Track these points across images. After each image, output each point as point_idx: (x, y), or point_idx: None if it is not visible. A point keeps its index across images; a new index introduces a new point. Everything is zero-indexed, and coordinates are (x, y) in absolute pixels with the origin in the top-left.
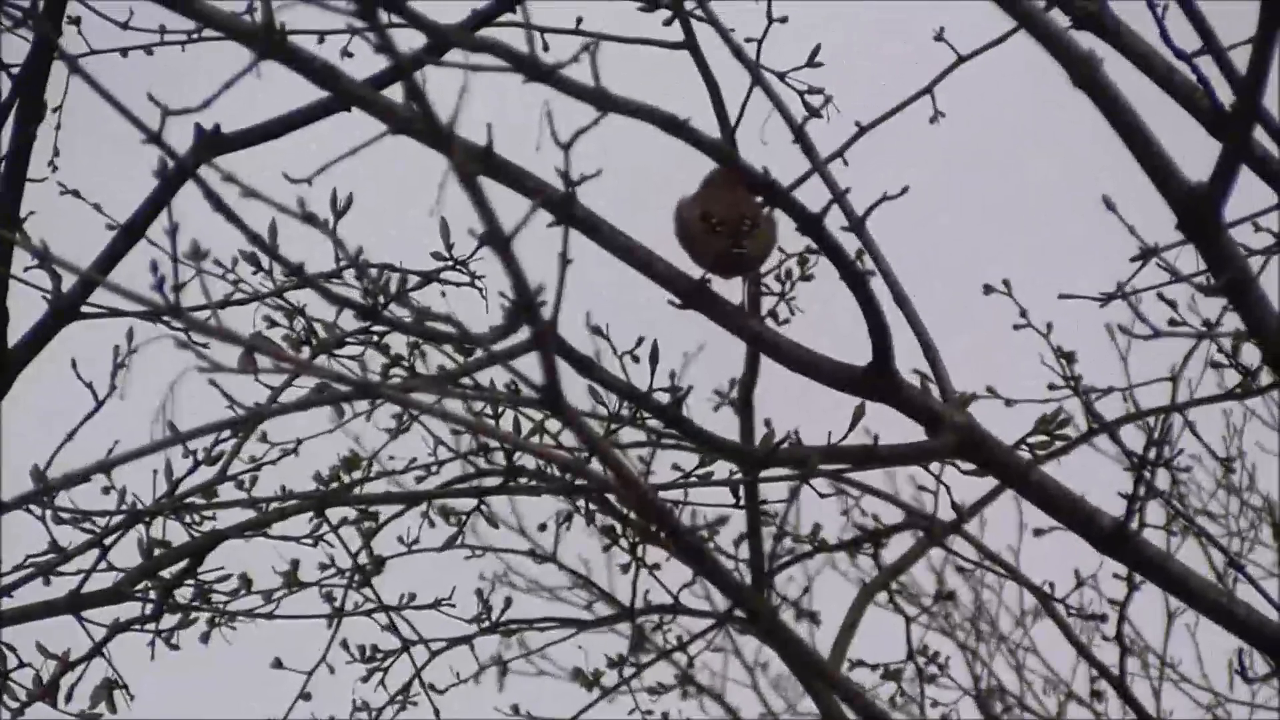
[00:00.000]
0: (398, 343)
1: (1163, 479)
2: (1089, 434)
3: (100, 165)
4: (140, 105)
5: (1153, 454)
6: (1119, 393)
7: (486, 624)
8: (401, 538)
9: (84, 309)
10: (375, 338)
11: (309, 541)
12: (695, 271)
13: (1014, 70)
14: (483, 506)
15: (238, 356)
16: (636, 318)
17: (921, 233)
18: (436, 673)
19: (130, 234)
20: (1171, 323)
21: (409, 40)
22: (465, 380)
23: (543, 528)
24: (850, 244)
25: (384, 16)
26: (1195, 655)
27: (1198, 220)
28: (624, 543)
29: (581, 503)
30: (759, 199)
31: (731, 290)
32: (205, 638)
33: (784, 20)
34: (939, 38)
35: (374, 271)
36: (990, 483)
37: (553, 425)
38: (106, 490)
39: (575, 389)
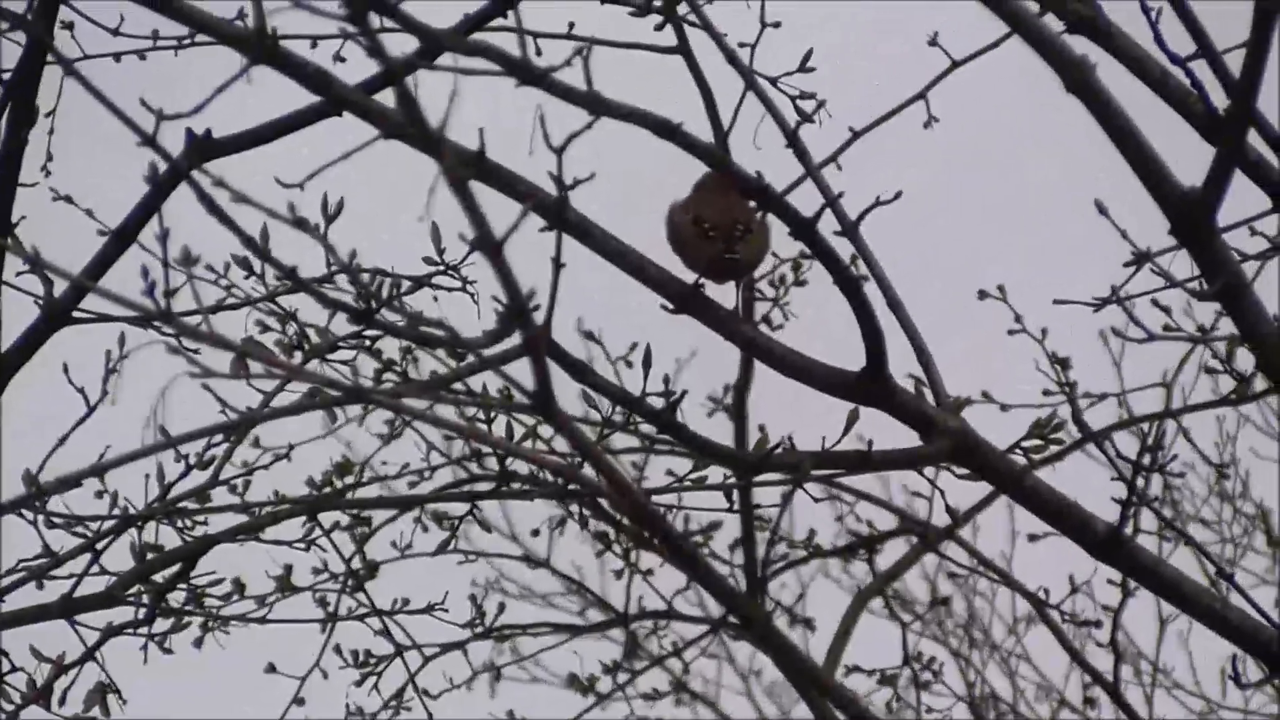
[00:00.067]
0: (390, 348)
1: (1157, 485)
2: (1082, 440)
3: (92, 170)
4: (133, 110)
5: (1146, 460)
6: (1113, 398)
7: (480, 629)
8: (395, 543)
9: (76, 314)
10: (367, 343)
11: (301, 546)
12: (688, 276)
13: (1008, 74)
14: (475, 512)
15: (229, 361)
16: (629, 322)
17: (915, 237)
18: (430, 678)
19: (121, 239)
20: (1166, 328)
21: (401, 44)
22: (457, 386)
23: (536, 533)
24: (844, 249)
25: (376, 21)
26: (1188, 662)
27: (1191, 225)
28: (617, 548)
29: (574, 508)
30: (752, 204)
31: (725, 295)
32: (199, 642)
33: (777, 25)
34: (933, 43)
35: (365, 277)
36: (984, 489)
37: (545, 431)
38: (99, 494)
39: (568, 394)
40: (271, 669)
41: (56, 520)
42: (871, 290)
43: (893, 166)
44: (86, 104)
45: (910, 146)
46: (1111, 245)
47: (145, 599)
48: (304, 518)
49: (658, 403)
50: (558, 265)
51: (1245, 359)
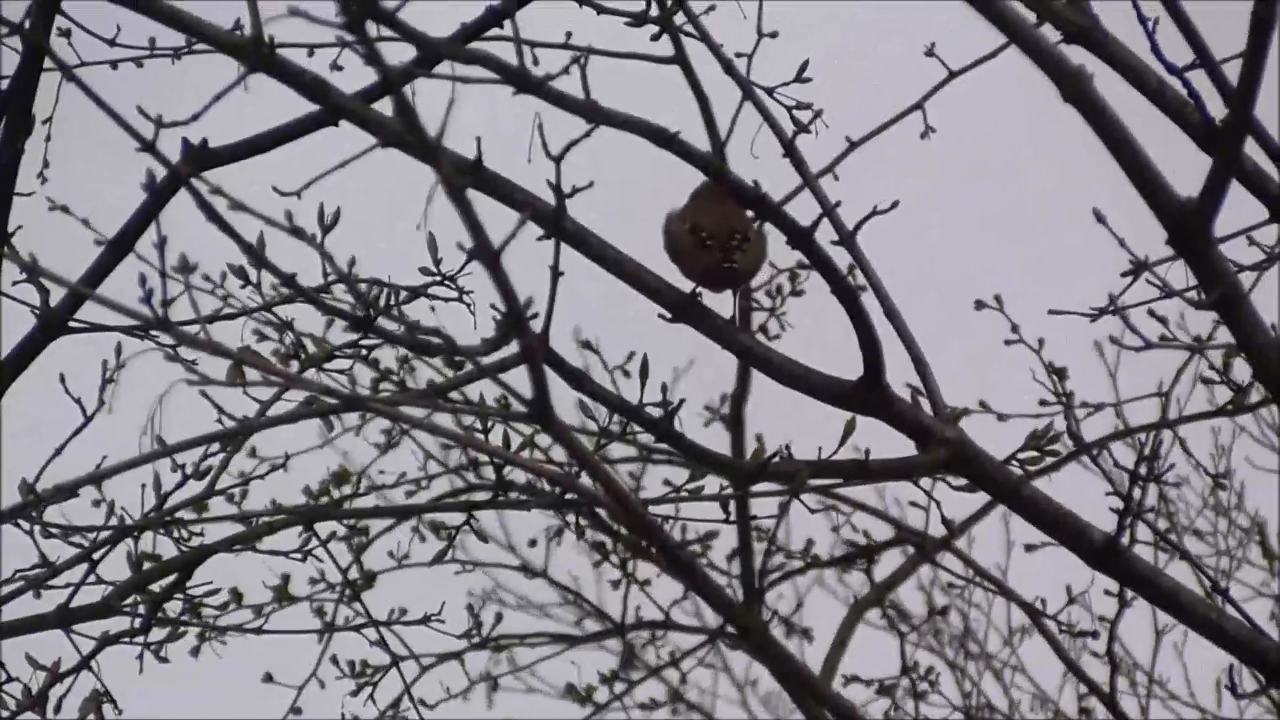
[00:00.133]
0: (386, 358)
1: (1153, 495)
2: (1079, 450)
3: (89, 177)
4: (130, 118)
5: (1143, 470)
6: (1110, 408)
7: (477, 639)
8: (392, 552)
9: (72, 324)
10: (364, 352)
11: (298, 557)
12: (685, 285)
13: (1005, 84)
14: (472, 522)
15: (226, 369)
16: (626, 331)
17: (912, 247)
18: (427, 688)
19: (118, 248)
20: (1162, 338)
21: (398, 54)
22: (454, 395)
23: (533, 543)
24: (841, 259)
25: (373, 29)
26: (1183, 673)
27: (1188, 235)
28: (614, 558)
29: (572, 518)
30: (749, 213)
31: (722, 304)
32: (195, 652)
33: (774, 35)
34: (930, 53)
35: (363, 286)
36: (980, 500)
37: (543, 440)
38: (96, 504)
39: (565, 403)
40: (269, 679)
41: (53, 530)
42: (869, 300)
43: (890, 176)
44: (83, 113)
45: (907, 156)
46: (1108, 256)
47: (142, 609)
48: (300, 528)
49: (655, 412)
50: (555, 274)
51: (1242, 370)
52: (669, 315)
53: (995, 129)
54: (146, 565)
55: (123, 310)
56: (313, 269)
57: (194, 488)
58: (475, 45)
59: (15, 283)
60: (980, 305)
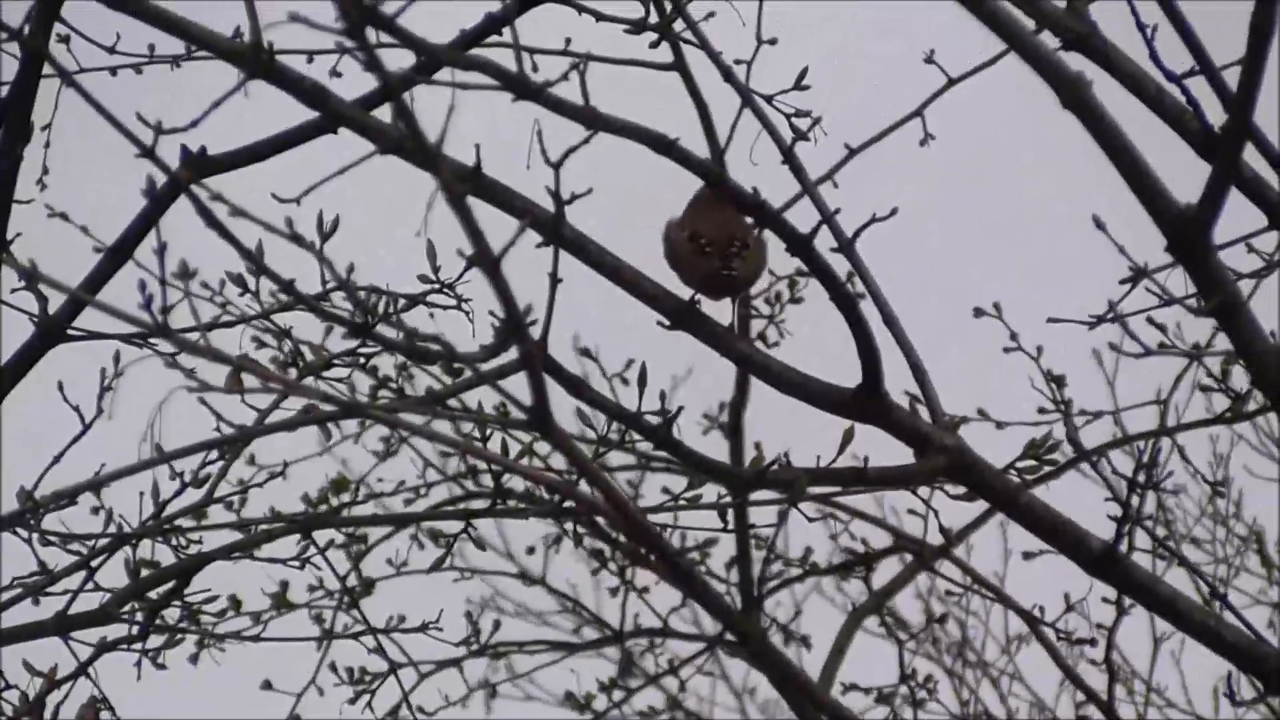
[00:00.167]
0: (385, 365)
1: (1151, 503)
2: (1077, 458)
3: (88, 184)
4: (130, 124)
5: (1141, 477)
6: (1108, 416)
7: (475, 647)
8: (390, 560)
9: (70, 331)
10: (363, 360)
11: (296, 564)
12: (684, 292)
13: (1005, 91)
14: (470, 529)
15: (225, 376)
16: (625, 338)
17: (911, 254)
18: (425, 695)
19: (117, 255)
20: (1161, 346)
21: (397, 60)
22: (453, 402)
23: (531, 551)
24: (840, 266)
25: (373, 35)
26: (1181, 682)
27: (1187, 242)
28: (613, 566)
29: (570, 526)
30: (749, 219)
31: (721, 311)
32: (194, 659)
33: (773, 42)
34: (929, 60)
35: (361, 293)
36: (979, 508)
37: (541, 448)
38: (95, 510)
39: (564, 412)
40: (267, 686)
41: (52, 538)
42: (867, 307)
43: (889, 183)
44: (83, 120)
45: (906, 163)
46: (1106, 263)
47: (139, 616)
48: (299, 535)
49: (654, 420)
50: (554, 281)
51: (1240, 378)
52: (668, 322)
53: (994, 136)
54: (145, 573)
55: (122, 316)
56: (311, 277)
57: (192, 495)
58: (475, 52)
59: (14, 290)
60: (979, 313)
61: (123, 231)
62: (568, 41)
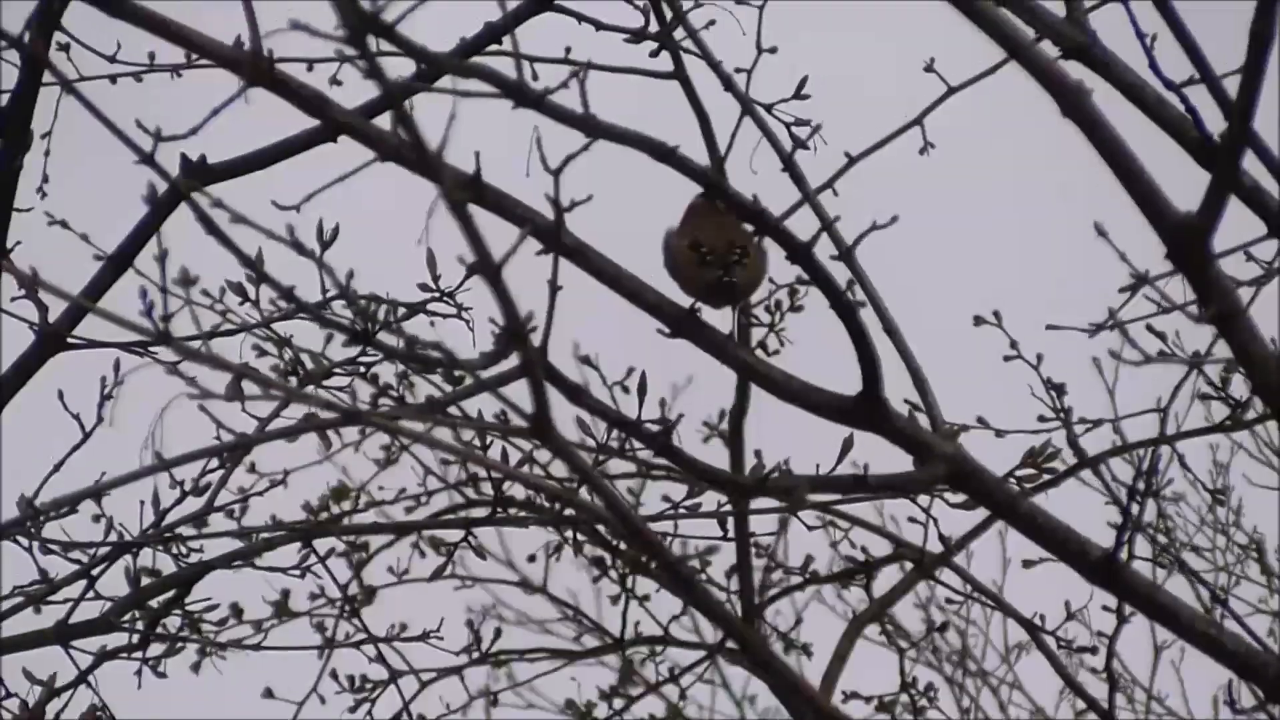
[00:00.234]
0: (385, 374)
1: (1151, 511)
2: (1075, 468)
3: (88, 194)
4: (129, 132)
5: (1141, 485)
6: (1108, 424)
7: (476, 655)
8: (392, 568)
9: (71, 340)
10: (363, 369)
11: (296, 573)
12: (684, 301)
13: (1005, 98)
14: (470, 538)
15: (226, 384)
16: (625, 347)
17: (912, 262)
18: (426, 704)
19: (117, 263)
20: (1161, 354)
21: (397, 69)
22: (453, 410)
23: (532, 559)
24: (841, 274)
25: (373, 43)
26: (1181, 691)
27: (1187, 250)
28: (614, 574)
29: (570, 534)
30: (748, 227)
31: (721, 320)
32: (196, 667)
33: (773, 50)
34: (929, 69)
35: (362, 301)
36: (979, 515)
37: (542, 456)
38: (96, 518)
39: (563, 420)
40: (268, 694)
41: (53, 546)
42: (867, 315)
43: (890, 191)
44: (82, 129)
45: (906, 171)
46: (1106, 271)
47: (140, 624)
48: (300, 544)
49: (654, 428)
50: (554, 288)
51: (1240, 385)
52: (668, 330)
53: (994, 144)
54: (145, 581)
55: (123, 324)
56: (311, 284)
57: (193, 504)
58: (475, 60)
59: (14, 298)
60: (979, 321)
61: (123, 240)
62: (568, 50)
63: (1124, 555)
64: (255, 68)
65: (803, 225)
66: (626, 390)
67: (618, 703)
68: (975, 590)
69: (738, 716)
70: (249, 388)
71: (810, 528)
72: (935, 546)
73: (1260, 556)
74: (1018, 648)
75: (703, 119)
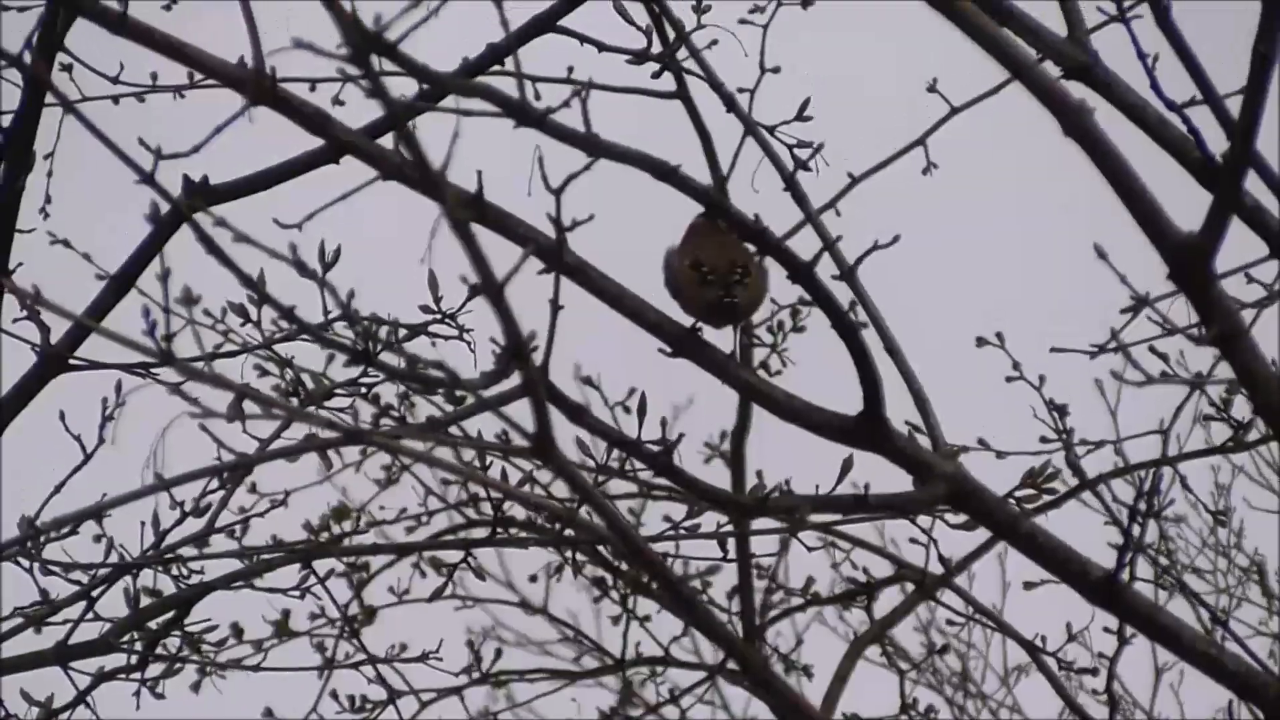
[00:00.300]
0: (387, 394)
1: (1153, 532)
2: (1077, 488)
3: (90, 214)
4: (131, 151)
5: (1142, 506)
6: (1110, 445)
7: (476, 675)
8: (392, 588)
9: (72, 361)
10: (364, 389)
11: (296, 594)
12: (686, 321)
13: (1007, 118)
14: (470, 559)
15: (228, 404)
16: (626, 364)
17: (914, 282)
18: None
19: (120, 284)
20: (1163, 375)
21: (399, 89)
22: (454, 430)
23: (533, 579)
24: (843, 294)
25: (376, 63)
26: (1180, 713)
27: (1189, 271)
28: (615, 594)
29: (571, 554)
30: (750, 246)
31: (723, 339)
32: (196, 687)
33: (776, 70)
34: (932, 89)
35: (364, 322)
36: (980, 537)
37: (543, 476)
38: (97, 539)
39: (564, 441)
40: (269, 714)
41: (53, 567)
42: (869, 335)
43: (892, 211)
44: (82, 150)
45: (908, 190)
46: (1108, 292)
47: (139, 645)
48: (300, 564)
49: (655, 448)
50: (555, 308)
51: (1242, 407)
52: (669, 350)
53: (996, 164)
54: (145, 602)
55: (125, 343)
56: (312, 303)
57: (194, 525)
58: (477, 79)
59: (16, 319)
60: (981, 342)
61: (124, 261)
62: (570, 70)
63: (1125, 576)
64: (258, 86)
65: (805, 245)
66: (628, 410)
67: None
68: (976, 611)
69: None
70: (250, 408)
71: (811, 549)
72: (936, 568)
73: (1261, 579)
74: (1017, 670)
75: (705, 138)
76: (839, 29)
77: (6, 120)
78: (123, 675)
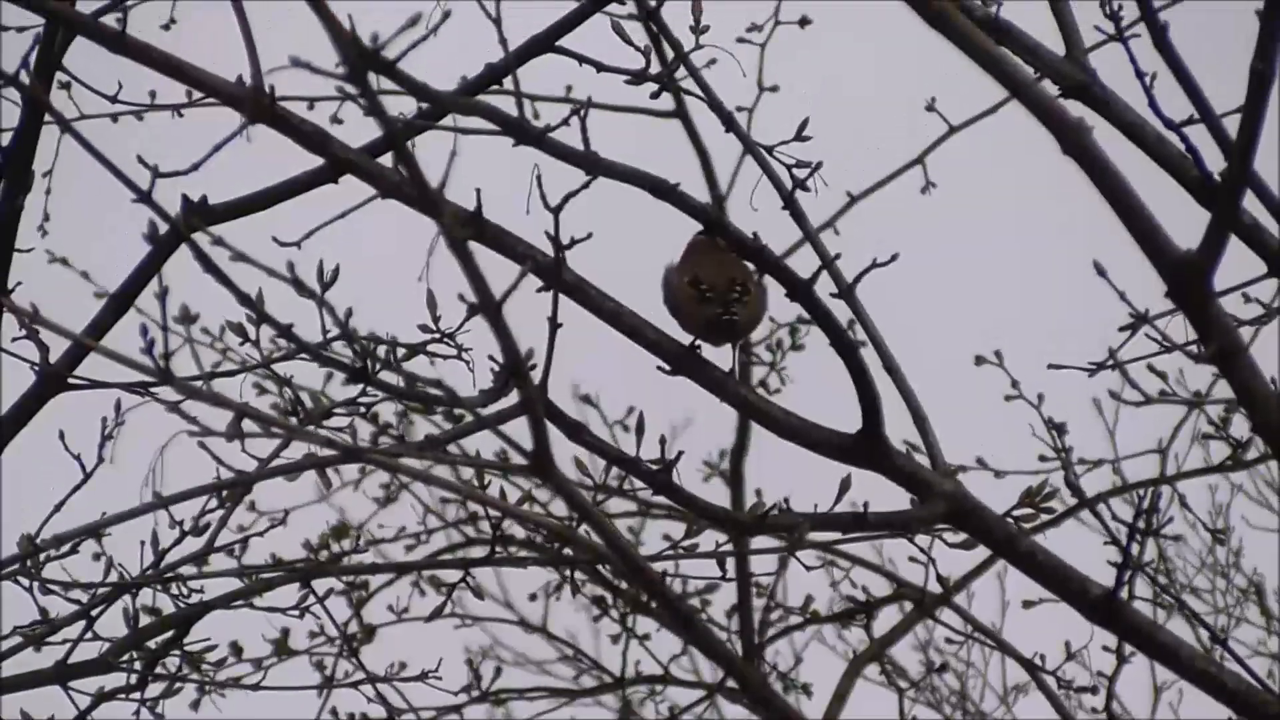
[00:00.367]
0: (385, 413)
1: (1151, 550)
2: (1076, 507)
3: (89, 233)
4: (129, 169)
5: (1141, 524)
6: (1108, 464)
7: (476, 694)
8: (391, 607)
9: (71, 380)
10: (363, 409)
11: (295, 614)
12: (684, 337)
13: (1006, 136)
14: (469, 578)
15: (228, 423)
16: (625, 382)
17: (913, 300)
18: None
19: (118, 303)
20: (1162, 394)
21: (398, 108)
22: (453, 448)
23: (532, 598)
24: (841, 312)
25: (375, 81)
26: None
27: (1187, 288)
28: (614, 613)
29: (570, 573)
30: (748, 264)
31: (721, 357)
32: (195, 705)
33: (774, 89)
34: (930, 108)
35: (362, 341)
36: (979, 555)
37: (542, 495)
38: (97, 557)
39: (562, 459)
40: None
41: (53, 586)
42: (868, 354)
43: (890, 227)
44: (84, 167)
45: (906, 208)
46: (1106, 308)
47: (139, 665)
48: (299, 583)
49: (653, 466)
50: (554, 325)
51: (1241, 426)
52: (668, 367)
53: (995, 182)
54: (145, 621)
55: (124, 361)
56: (311, 321)
57: (193, 543)
58: (476, 98)
59: (15, 338)
60: (980, 360)
61: (123, 280)
62: (568, 89)
63: (1124, 594)
64: (257, 105)
65: (803, 263)
66: (626, 428)
67: None
68: (975, 630)
69: None
70: (249, 426)
71: (810, 567)
72: (935, 586)
73: (1260, 598)
74: (1016, 689)
75: (703, 157)
76: (836, 48)
77: (5, 139)
78: (122, 695)
